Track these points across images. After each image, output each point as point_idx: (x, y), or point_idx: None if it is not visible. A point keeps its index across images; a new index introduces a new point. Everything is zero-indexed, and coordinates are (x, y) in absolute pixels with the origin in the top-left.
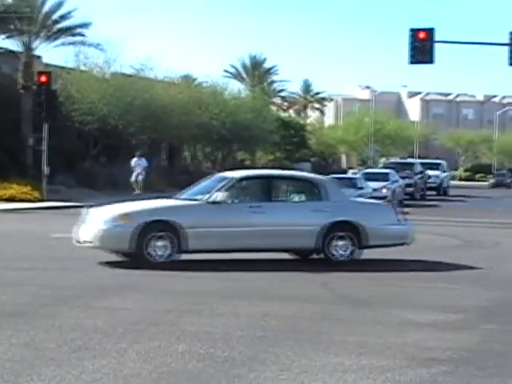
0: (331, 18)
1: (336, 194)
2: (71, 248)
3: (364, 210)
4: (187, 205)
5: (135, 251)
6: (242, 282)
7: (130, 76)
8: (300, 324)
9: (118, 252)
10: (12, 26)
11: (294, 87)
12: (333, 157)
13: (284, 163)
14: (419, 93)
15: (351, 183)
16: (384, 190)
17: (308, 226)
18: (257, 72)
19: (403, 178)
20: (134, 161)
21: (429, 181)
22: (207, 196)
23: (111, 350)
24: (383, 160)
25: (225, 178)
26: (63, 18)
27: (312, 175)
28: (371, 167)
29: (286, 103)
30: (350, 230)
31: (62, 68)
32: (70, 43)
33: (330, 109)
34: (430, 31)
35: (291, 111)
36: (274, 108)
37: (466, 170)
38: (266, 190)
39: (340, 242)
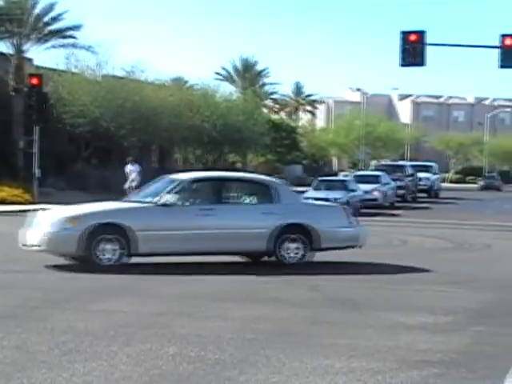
0: (322, 21)
1: (288, 196)
2: None
3: (316, 212)
4: (137, 207)
5: (83, 254)
6: (233, 285)
7: (121, 78)
8: (291, 327)
9: (66, 255)
10: (3, 28)
11: (285, 89)
12: (324, 159)
13: (275, 165)
14: (410, 95)
15: (342, 185)
16: (375, 193)
17: (259, 228)
18: (248, 74)
19: (394, 180)
20: (127, 167)
21: (420, 183)
22: (157, 198)
23: (102, 352)
24: (374, 162)
25: (175, 180)
26: (54, 20)
27: (263, 177)
28: (362, 169)
29: (277, 105)
30: (302, 233)
31: (54, 70)
32: (61, 45)
33: (321, 111)
34: (421, 34)
35: (282, 113)
36: (265, 110)
37: (456, 173)
38: (217, 192)
39: (292, 245)
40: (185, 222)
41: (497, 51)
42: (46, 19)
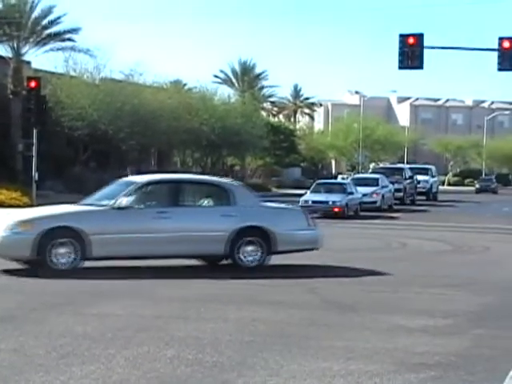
0: (320, 24)
1: (245, 198)
2: None
3: (274, 214)
4: (91, 210)
5: (37, 259)
6: (230, 287)
7: (119, 81)
8: (288, 329)
9: (19, 260)
10: (1, 32)
11: (283, 92)
12: (322, 162)
13: (274, 168)
14: (409, 98)
15: (341, 188)
16: (374, 196)
17: (217, 231)
18: (247, 77)
19: (393, 183)
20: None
21: (418, 186)
22: (113, 201)
23: (100, 355)
24: (373, 165)
25: (131, 183)
26: (52, 23)
27: (220, 180)
28: (361, 172)
29: (275, 108)
30: (260, 236)
31: (52, 73)
32: (59, 49)
33: (319, 114)
34: (419, 37)
35: (281, 116)
36: (263, 113)
37: (454, 175)
38: (173, 194)
39: (249, 248)
40: (141, 225)
41: (495, 54)
42: (44, 22)
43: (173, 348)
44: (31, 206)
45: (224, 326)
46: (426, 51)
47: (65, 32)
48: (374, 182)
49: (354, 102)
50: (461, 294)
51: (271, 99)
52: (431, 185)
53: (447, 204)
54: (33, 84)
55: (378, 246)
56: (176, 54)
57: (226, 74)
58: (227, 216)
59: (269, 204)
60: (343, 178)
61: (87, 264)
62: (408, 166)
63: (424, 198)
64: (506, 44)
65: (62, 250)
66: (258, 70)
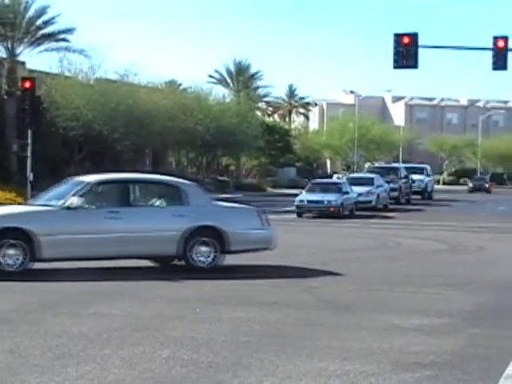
0: (315, 24)
1: (198, 198)
2: None
3: (227, 214)
4: (40, 211)
5: None
6: (226, 288)
7: (114, 81)
8: (284, 329)
9: None
10: None
11: (278, 92)
12: (317, 162)
13: (269, 168)
14: (403, 97)
15: (336, 188)
16: (369, 195)
17: (169, 231)
18: (241, 77)
19: (388, 182)
20: None
21: (413, 185)
22: (62, 201)
23: (95, 356)
24: (368, 165)
25: (81, 183)
26: (47, 23)
27: (173, 179)
28: (356, 172)
29: (270, 108)
30: (213, 236)
31: (47, 74)
32: (53, 49)
33: (314, 114)
34: (414, 36)
35: (276, 116)
36: (258, 113)
37: (449, 175)
38: (124, 194)
39: (202, 248)
40: (91, 225)
41: (490, 53)
42: (38, 23)
43: (168, 348)
44: None
45: (219, 326)
46: (420, 50)
47: (59, 32)
48: (369, 182)
49: (349, 102)
50: (456, 294)
51: (266, 99)
52: (426, 184)
53: (442, 203)
54: (27, 84)
55: (373, 246)
56: (173, 55)
57: (220, 74)
58: (180, 216)
59: (222, 203)
60: (338, 178)
61: (85, 265)
62: (403, 165)
63: (419, 197)
64: (501, 43)
65: (10, 252)
66: (252, 70)
